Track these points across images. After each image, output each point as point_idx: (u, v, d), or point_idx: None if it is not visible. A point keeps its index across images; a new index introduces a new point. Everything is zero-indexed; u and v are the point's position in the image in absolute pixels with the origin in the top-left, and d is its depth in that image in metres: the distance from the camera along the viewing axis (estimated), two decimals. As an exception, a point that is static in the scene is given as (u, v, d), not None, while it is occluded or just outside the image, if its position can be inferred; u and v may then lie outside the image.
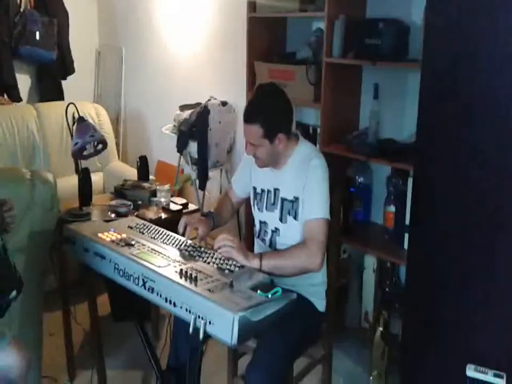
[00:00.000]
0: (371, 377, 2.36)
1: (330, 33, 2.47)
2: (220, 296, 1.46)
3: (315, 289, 1.90)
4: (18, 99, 3.83)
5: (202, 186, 3.12)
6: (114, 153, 3.66)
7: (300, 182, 1.81)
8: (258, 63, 2.89)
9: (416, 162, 2.09)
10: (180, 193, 3.27)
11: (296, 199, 1.83)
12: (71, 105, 2.29)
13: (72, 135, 2.26)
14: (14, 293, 1.45)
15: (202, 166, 3.11)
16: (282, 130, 1.79)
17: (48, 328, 2.20)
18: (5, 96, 3.71)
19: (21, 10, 3.78)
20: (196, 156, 3.15)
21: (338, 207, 1.97)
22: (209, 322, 1.42)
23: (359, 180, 2.65)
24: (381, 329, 2.34)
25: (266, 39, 2.95)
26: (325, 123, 2.60)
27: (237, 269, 1.67)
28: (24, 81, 3.98)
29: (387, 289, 2.51)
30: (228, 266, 1.67)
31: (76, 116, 2.27)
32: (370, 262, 2.53)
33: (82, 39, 4.22)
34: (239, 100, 3.18)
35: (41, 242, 1.93)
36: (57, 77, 4.09)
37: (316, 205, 1.79)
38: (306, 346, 1.88)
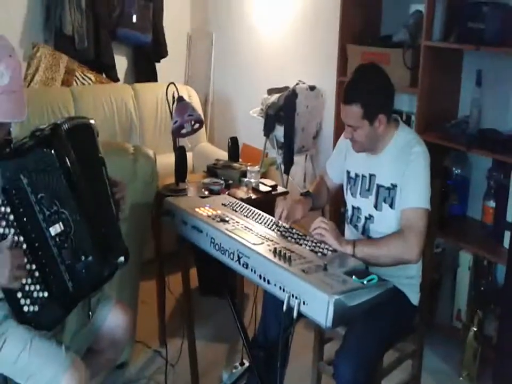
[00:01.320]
0: (461, 378, 2.29)
1: (431, 16, 2.36)
2: (314, 278, 1.46)
3: (410, 282, 1.84)
4: (116, 79, 4.02)
5: (287, 171, 3.12)
6: (203, 134, 3.76)
7: (399, 169, 1.75)
8: (350, 45, 2.81)
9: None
10: (265, 177, 3.30)
11: (394, 186, 1.77)
12: (171, 85, 2.37)
13: (171, 114, 2.34)
14: (122, 258, 1.53)
15: (288, 150, 3.11)
16: (383, 111, 1.74)
17: (141, 296, 2.30)
18: (104, 75, 3.90)
19: None
20: (282, 140, 3.16)
21: (435, 199, 1.90)
22: (304, 303, 1.43)
23: (457, 172, 2.54)
24: (474, 329, 2.25)
25: (359, 20, 2.85)
26: (421, 109, 2.50)
27: (329, 252, 1.66)
28: (121, 62, 4.16)
29: (482, 288, 2.40)
30: (321, 250, 1.67)
31: (176, 95, 2.34)
32: (465, 258, 2.43)
33: (175, 23, 4.33)
34: (328, 85, 3.13)
35: (141, 214, 2.03)
36: (151, 59, 4.24)
37: (416, 193, 1.72)
38: (398, 339, 1.84)
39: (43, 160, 1.39)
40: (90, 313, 1.64)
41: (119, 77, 4.08)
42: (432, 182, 1.78)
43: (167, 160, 2.69)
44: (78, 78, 3.63)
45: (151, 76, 4.21)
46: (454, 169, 2.55)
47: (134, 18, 3.98)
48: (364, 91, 1.72)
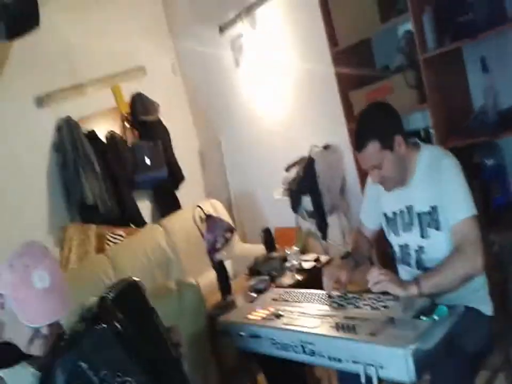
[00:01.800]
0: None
1: (421, 29, 2.39)
2: (384, 337, 1.40)
3: (478, 294, 1.72)
4: (143, 223, 4.11)
5: (324, 236, 3.07)
6: (236, 238, 3.76)
7: (434, 189, 1.69)
8: (352, 92, 2.83)
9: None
10: (306, 250, 3.24)
11: (434, 208, 1.70)
12: (197, 208, 2.43)
13: (203, 235, 2.37)
14: None
15: (319, 215, 3.09)
16: (397, 132, 1.71)
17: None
18: (131, 225, 4.00)
19: (128, 145, 4.08)
20: (311, 208, 3.14)
21: (478, 199, 1.79)
22: (381, 367, 1.35)
23: (489, 163, 2.42)
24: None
25: (354, 65, 2.85)
26: (437, 120, 2.46)
27: (391, 302, 1.58)
28: (144, 205, 4.28)
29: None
30: (381, 303, 1.59)
31: (203, 215, 2.39)
32: (526, 247, 2.24)
33: (184, 147, 4.44)
34: (340, 137, 3.09)
35: (198, 344, 2.01)
36: (171, 189, 4.36)
37: (459, 204, 1.65)
38: (484, 359, 1.68)
39: (98, 339, 1.41)
40: None
41: (146, 220, 4.15)
42: (470, 185, 1.69)
43: (208, 279, 2.68)
44: (109, 240, 3.75)
45: (174, 205, 4.26)
46: (486, 161, 2.43)
47: (148, 161, 4.08)
48: (372, 127, 1.71)
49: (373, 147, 1.68)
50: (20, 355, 1.43)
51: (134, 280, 1.62)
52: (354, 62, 2.85)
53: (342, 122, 2.92)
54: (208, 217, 2.39)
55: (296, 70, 3.45)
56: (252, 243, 3.64)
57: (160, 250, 3.59)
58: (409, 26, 2.44)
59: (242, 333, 1.78)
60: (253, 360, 2.08)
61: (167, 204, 4.31)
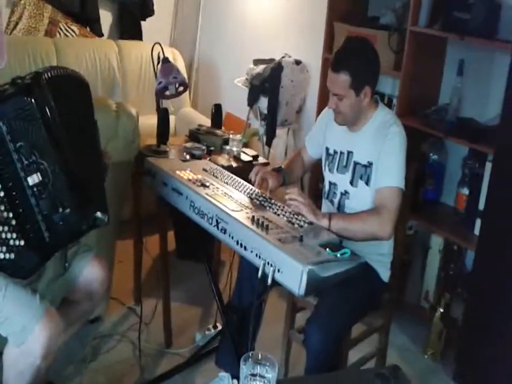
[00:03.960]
0: (426, 356, 2.37)
1: (418, 1, 2.39)
2: (290, 248, 1.51)
3: (381, 259, 1.90)
4: (100, 34, 3.90)
5: (269, 143, 3.13)
6: (186, 99, 3.71)
7: (375, 148, 1.80)
8: (338, 24, 2.82)
9: (497, 146, 2.03)
10: (246, 146, 3.30)
11: (370, 164, 1.82)
12: (157, 46, 2.34)
13: (156, 74, 2.30)
14: (100, 214, 1.53)
15: (271, 122, 3.12)
16: (370, 84, 1.77)
17: (117, 255, 2.32)
18: (88, 29, 3.79)
19: None
20: (265, 111, 3.15)
21: (410, 181, 1.95)
22: (278, 270, 1.48)
23: (433, 158, 2.59)
24: (441, 310, 2.33)
25: (348, 0, 2.86)
26: (403, 93, 2.54)
27: (306, 225, 1.70)
28: (105, 17, 4.02)
29: (451, 272, 2.47)
30: (298, 221, 1.71)
31: (161, 56, 2.31)
32: (436, 242, 2.50)
33: None
34: (313, 60, 3.14)
35: (121, 172, 2.02)
36: (137, 16, 4.12)
37: (391, 172, 1.77)
38: (366, 313, 1.89)
39: (23, 109, 1.37)
40: (66, 264, 1.64)
41: (103, 32, 3.96)
42: (408, 165, 1.83)
43: (149, 121, 2.66)
44: (61, 30, 3.51)
45: (136, 34, 4.08)
46: (431, 154, 2.60)
47: None
48: (354, 61, 1.75)
49: (344, 78, 1.74)
50: None
51: (78, 76, 1.58)
52: (349, -3, 2.84)
53: (319, 48, 2.93)
54: (166, 60, 2.31)
55: None
56: (202, 114, 3.62)
57: (109, 68, 3.42)
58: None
59: (166, 183, 1.82)
60: (167, 213, 2.15)
61: (128, 30, 4.07)
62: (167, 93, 2.32)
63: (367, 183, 1.83)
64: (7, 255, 1.42)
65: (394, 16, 2.63)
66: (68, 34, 3.53)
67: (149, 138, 2.36)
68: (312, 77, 3.24)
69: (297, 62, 3.21)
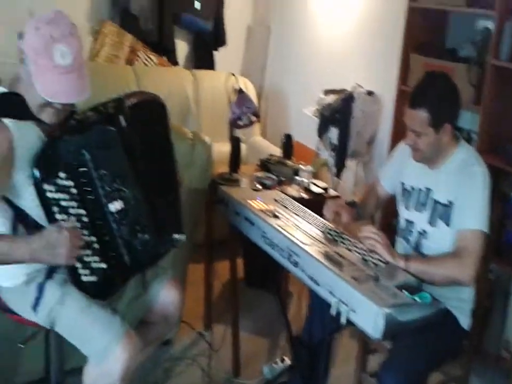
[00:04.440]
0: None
1: (499, 34, 2.30)
2: (365, 287, 1.45)
3: (461, 305, 1.79)
4: (176, 63, 4.05)
5: (339, 174, 3.09)
6: (257, 128, 3.76)
7: (457, 187, 1.71)
8: (413, 55, 2.75)
9: None
10: (314, 177, 3.28)
11: (451, 203, 1.72)
12: (231, 76, 2.39)
13: (230, 104, 2.35)
14: (178, 236, 1.54)
15: (341, 153, 3.08)
16: (450, 121, 1.70)
17: (188, 278, 2.35)
18: (165, 58, 3.94)
19: None
20: (335, 142, 3.12)
21: (494, 223, 1.83)
22: (352, 310, 1.42)
23: (515, 197, 2.45)
24: (522, 360, 2.17)
25: (424, 31, 2.77)
26: (483, 129, 2.42)
27: (381, 263, 1.63)
28: (181, 47, 4.17)
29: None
30: (372, 259, 1.64)
31: (237, 87, 2.36)
32: (519, 288, 2.35)
33: (236, 14, 4.30)
34: (386, 91, 3.07)
35: (196, 199, 2.06)
36: (210, 47, 4.24)
37: (474, 214, 1.67)
38: (445, 361, 1.78)
39: (106, 138, 1.40)
40: (145, 285, 1.66)
41: (178, 62, 4.11)
42: (491, 206, 1.72)
43: (220, 148, 2.71)
44: (140, 58, 3.68)
45: (209, 64, 4.21)
46: (512, 194, 2.46)
47: (198, 6, 3.97)
48: (433, 97, 1.68)
49: (422, 115, 1.67)
50: (29, 114, 1.40)
51: (159, 100, 1.58)
52: (425, 27, 2.76)
53: (393, 79, 2.86)
54: (241, 91, 2.39)
55: (369, 4, 3.31)
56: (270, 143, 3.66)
57: (184, 96, 3.54)
58: (490, 25, 2.34)
59: (238, 212, 1.82)
60: (238, 241, 2.16)
61: (202, 59, 4.21)
62: (240, 122, 2.36)
63: (447, 223, 1.74)
64: (90, 278, 1.46)
65: (474, 49, 2.56)
66: (146, 62, 3.69)
67: (220, 166, 2.38)
68: (385, 108, 3.18)
69: (370, 93, 3.17)
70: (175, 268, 2.01)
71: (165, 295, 1.70)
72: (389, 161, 2.04)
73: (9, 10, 3.22)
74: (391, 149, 2.81)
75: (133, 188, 1.43)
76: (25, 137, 1.39)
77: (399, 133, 1.88)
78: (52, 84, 1.35)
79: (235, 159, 2.31)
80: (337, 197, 2.37)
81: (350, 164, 3.23)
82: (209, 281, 2.50)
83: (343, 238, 1.74)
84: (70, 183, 1.41)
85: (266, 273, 2.01)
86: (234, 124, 2.36)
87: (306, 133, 3.50)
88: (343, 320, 1.41)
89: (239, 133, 3.16)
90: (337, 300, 1.44)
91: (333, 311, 1.43)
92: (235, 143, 2.36)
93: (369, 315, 1.37)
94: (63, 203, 1.41)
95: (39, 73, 1.34)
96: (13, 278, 1.52)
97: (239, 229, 1.84)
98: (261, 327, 2.60)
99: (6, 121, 1.36)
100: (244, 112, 2.34)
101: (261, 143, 3.65)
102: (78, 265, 1.43)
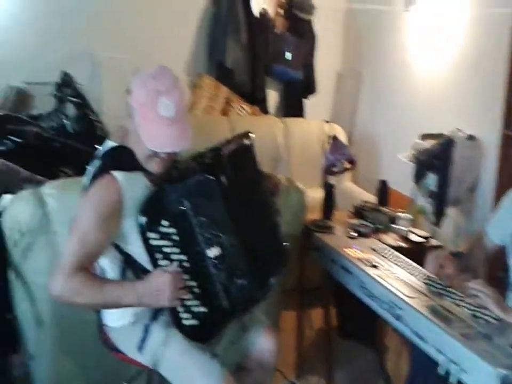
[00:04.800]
0: None
1: None
2: (477, 346, 1.34)
3: None
4: (266, 111, 4.16)
5: (438, 222, 2.94)
6: (347, 174, 3.72)
7: None
8: None
9: None
10: (412, 226, 3.15)
11: None
12: (325, 123, 2.40)
13: (324, 151, 2.35)
14: (273, 280, 1.53)
15: (440, 200, 2.93)
16: None
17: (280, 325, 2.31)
18: (257, 107, 4.06)
19: (276, 31, 4.06)
20: (433, 188, 2.99)
21: None
22: (464, 371, 1.30)
23: None
24: None
25: None
26: None
27: (493, 320, 1.50)
28: (272, 96, 4.28)
29: None
30: (483, 316, 1.51)
31: (331, 134, 2.36)
32: None
33: (326, 61, 4.34)
34: (489, 136, 2.89)
35: (289, 245, 2.03)
36: (300, 95, 4.32)
37: None
38: None
39: (205, 187, 1.44)
40: (244, 329, 1.66)
41: (269, 110, 4.22)
42: None
43: (311, 195, 2.68)
44: (234, 108, 3.83)
45: (298, 111, 4.26)
46: None
47: (289, 56, 4.09)
48: None
49: None
50: (137, 165, 1.49)
51: (249, 144, 1.63)
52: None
53: (496, 122, 2.69)
54: (335, 138, 2.39)
55: (470, 41, 3.13)
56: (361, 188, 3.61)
57: (275, 144, 3.61)
58: None
59: (334, 260, 1.78)
60: (332, 288, 2.10)
61: (292, 107, 4.29)
62: (335, 169, 2.35)
63: None
64: (191, 321, 1.48)
65: None
66: (239, 112, 3.84)
67: (312, 212, 2.36)
68: (487, 154, 3.00)
69: (470, 137, 3.02)
70: (269, 313, 1.99)
71: (262, 341, 1.68)
72: (499, 211, 1.90)
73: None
74: (496, 197, 2.63)
75: (230, 234, 1.45)
76: (134, 187, 1.47)
77: (504, 180, 1.75)
78: (157, 135, 1.42)
79: (329, 205, 2.28)
80: (439, 247, 2.24)
81: (450, 212, 3.06)
82: (301, 329, 2.44)
83: (449, 292, 1.63)
84: (172, 230, 1.46)
85: (359, 323, 1.91)
86: (328, 170, 2.35)
87: (400, 179, 3.38)
88: (452, 380, 1.30)
89: (331, 179, 3.14)
90: (446, 358, 1.33)
91: (441, 371, 1.32)
92: (329, 189, 2.33)
93: (483, 376, 1.26)
94: (166, 249, 1.46)
95: (145, 125, 1.42)
96: (121, 318, 1.58)
97: (334, 277, 1.79)
98: (356, 380, 2.46)
99: (116, 173, 1.45)
100: (338, 159, 2.33)
101: (352, 189, 3.61)
102: (180, 309, 1.46)
